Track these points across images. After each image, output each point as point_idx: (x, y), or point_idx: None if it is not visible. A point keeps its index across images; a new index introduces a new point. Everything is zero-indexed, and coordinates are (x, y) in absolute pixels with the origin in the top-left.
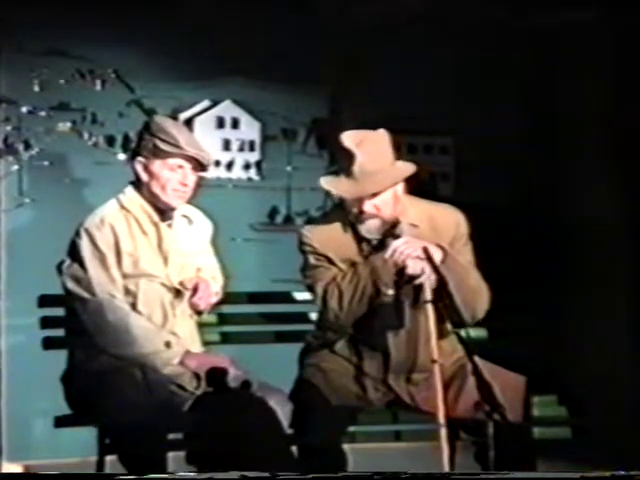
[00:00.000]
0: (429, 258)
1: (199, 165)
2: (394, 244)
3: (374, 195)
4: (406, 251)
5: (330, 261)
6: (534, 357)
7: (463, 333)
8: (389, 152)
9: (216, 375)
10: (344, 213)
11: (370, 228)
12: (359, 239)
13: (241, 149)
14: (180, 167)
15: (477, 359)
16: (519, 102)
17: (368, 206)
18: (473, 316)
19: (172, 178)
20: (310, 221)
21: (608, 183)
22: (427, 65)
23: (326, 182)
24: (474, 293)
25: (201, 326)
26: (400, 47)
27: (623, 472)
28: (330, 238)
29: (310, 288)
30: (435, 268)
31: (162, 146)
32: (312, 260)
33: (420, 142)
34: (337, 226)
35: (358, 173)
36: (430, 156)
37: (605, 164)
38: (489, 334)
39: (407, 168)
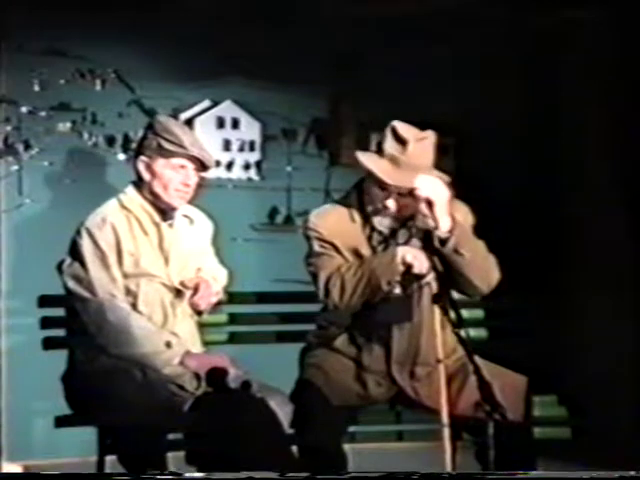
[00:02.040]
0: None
1: (202, 166)
2: (401, 254)
3: (401, 193)
4: (413, 262)
5: (336, 249)
6: (534, 357)
7: (463, 333)
8: (432, 156)
9: (216, 375)
10: (359, 199)
11: (384, 222)
12: (370, 229)
13: (241, 149)
14: (183, 167)
15: (477, 359)
16: (519, 102)
17: (391, 202)
18: (488, 284)
19: (174, 178)
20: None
21: (609, 183)
22: (427, 64)
23: (366, 159)
24: (486, 260)
25: (207, 326)
26: (400, 47)
27: (633, 473)
28: (338, 226)
29: (313, 276)
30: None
31: (166, 145)
32: (317, 247)
33: None
34: (345, 215)
35: (404, 163)
36: None
37: (606, 164)
38: (489, 334)
39: (442, 178)
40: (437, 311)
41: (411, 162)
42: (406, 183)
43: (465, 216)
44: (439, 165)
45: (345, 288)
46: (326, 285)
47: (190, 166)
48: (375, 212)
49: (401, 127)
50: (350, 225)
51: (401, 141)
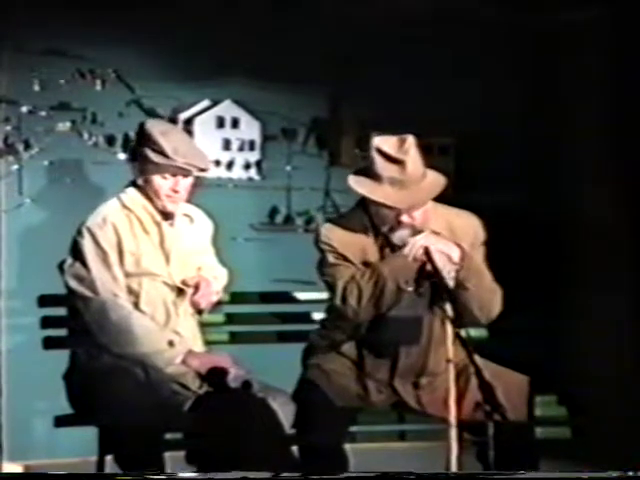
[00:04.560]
0: (448, 256)
1: (191, 172)
2: (412, 238)
3: (416, 206)
4: (425, 243)
5: (349, 261)
6: (534, 357)
7: (463, 333)
8: (421, 158)
9: (216, 375)
10: (367, 217)
11: (403, 236)
12: (382, 243)
13: (241, 149)
14: (172, 175)
15: (479, 360)
16: (519, 102)
17: (405, 217)
18: (488, 317)
19: (164, 185)
20: (329, 218)
21: (608, 183)
22: (427, 65)
23: (365, 188)
24: (490, 292)
25: (206, 325)
26: (400, 47)
27: (631, 473)
28: (351, 240)
29: (329, 285)
30: (453, 265)
31: (151, 156)
32: (331, 258)
33: (420, 142)
34: (358, 228)
35: (407, 182)
36: (430, 156)
37: (605, 164)
38: (489, 334)
39: (439, 177)
40: (449, 309)
41: (413, 178)
42: (421, 201)
43: (476, 231)
44: (439, 165)
45: (362, 293)
46: (343, 293)
47: (178, 173)
48: (391, 230)
49: (387, 146)
50: (363, 239)
51: (396, 161)
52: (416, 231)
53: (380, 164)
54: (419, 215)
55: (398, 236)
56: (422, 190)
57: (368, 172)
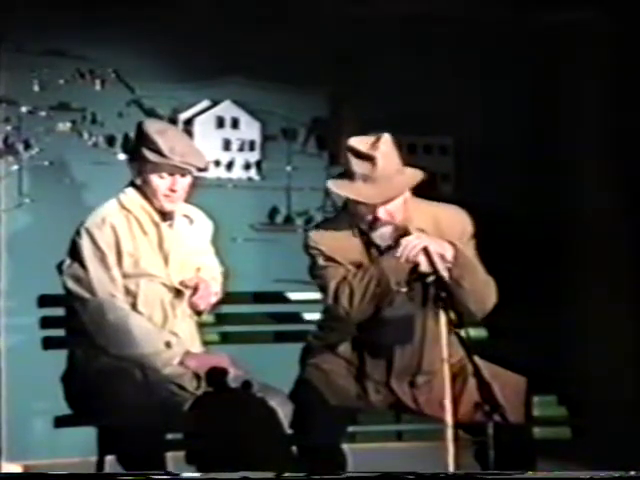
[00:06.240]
0: (441, 255)
1: (188, 170)
2: (405, 239)
3: (389, 200)
4: (419, 245)
5: (338, 262)
6: (534, 357)
7: (463, 333)
8: (397, 155)
9: (216, 375)
10: (351, 218)
11: (383, 235)
12: (368, 244)
13: (241, 149)
14: (169, 174)
15: (477, 359)
16: (519, 102)
17: (382, 212)
18: (484, 310)
19: (161, 185)
20: (315, 224)
21: (608, 183)
22: (427, 65)
23: (340, 188)
24: (484, 286)
25: (202, 326)
26: (400, 47)
27: (633, 473)
28: (338, 243)
29: (321, 287)
30: (446, 264)
31: (147, 155)
32: (321, 261)
33: (420, 142)
34: (344, 231)
35: (378, 177)
36: (430, 156)
37: (605, 164)
38: (489, 334)
39: (417, 172)
40: (442, 312)
41: (384, 174)
42: (389, 195)
43: (463, 226)
44: (439, 165)
45: (354, 294)
46: (335, 294)
47: (175, 172)
48: (371, 228)
49: (359, 144)
50: (350, 241)
51: (367, 158)
52: (398, 229)
53: (352, 162)
54: (398, 211)
55: (379, 235)
56: (394, 185)
57: (345, 173)
